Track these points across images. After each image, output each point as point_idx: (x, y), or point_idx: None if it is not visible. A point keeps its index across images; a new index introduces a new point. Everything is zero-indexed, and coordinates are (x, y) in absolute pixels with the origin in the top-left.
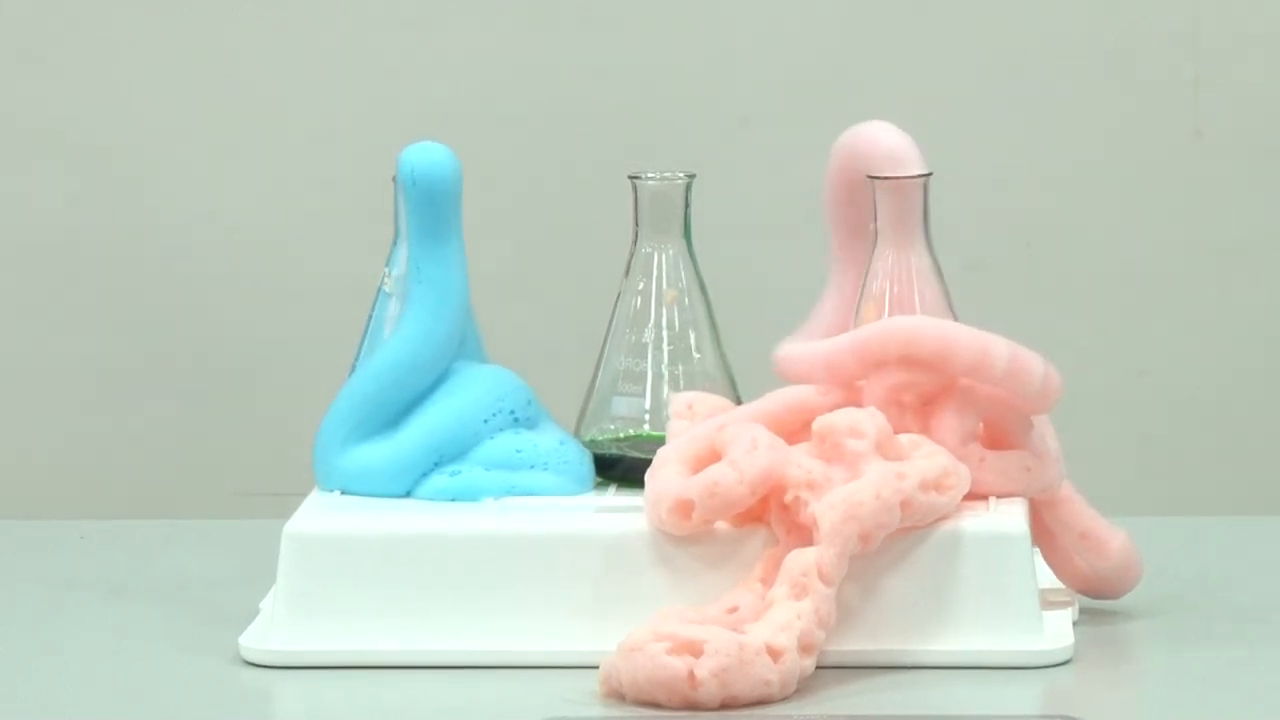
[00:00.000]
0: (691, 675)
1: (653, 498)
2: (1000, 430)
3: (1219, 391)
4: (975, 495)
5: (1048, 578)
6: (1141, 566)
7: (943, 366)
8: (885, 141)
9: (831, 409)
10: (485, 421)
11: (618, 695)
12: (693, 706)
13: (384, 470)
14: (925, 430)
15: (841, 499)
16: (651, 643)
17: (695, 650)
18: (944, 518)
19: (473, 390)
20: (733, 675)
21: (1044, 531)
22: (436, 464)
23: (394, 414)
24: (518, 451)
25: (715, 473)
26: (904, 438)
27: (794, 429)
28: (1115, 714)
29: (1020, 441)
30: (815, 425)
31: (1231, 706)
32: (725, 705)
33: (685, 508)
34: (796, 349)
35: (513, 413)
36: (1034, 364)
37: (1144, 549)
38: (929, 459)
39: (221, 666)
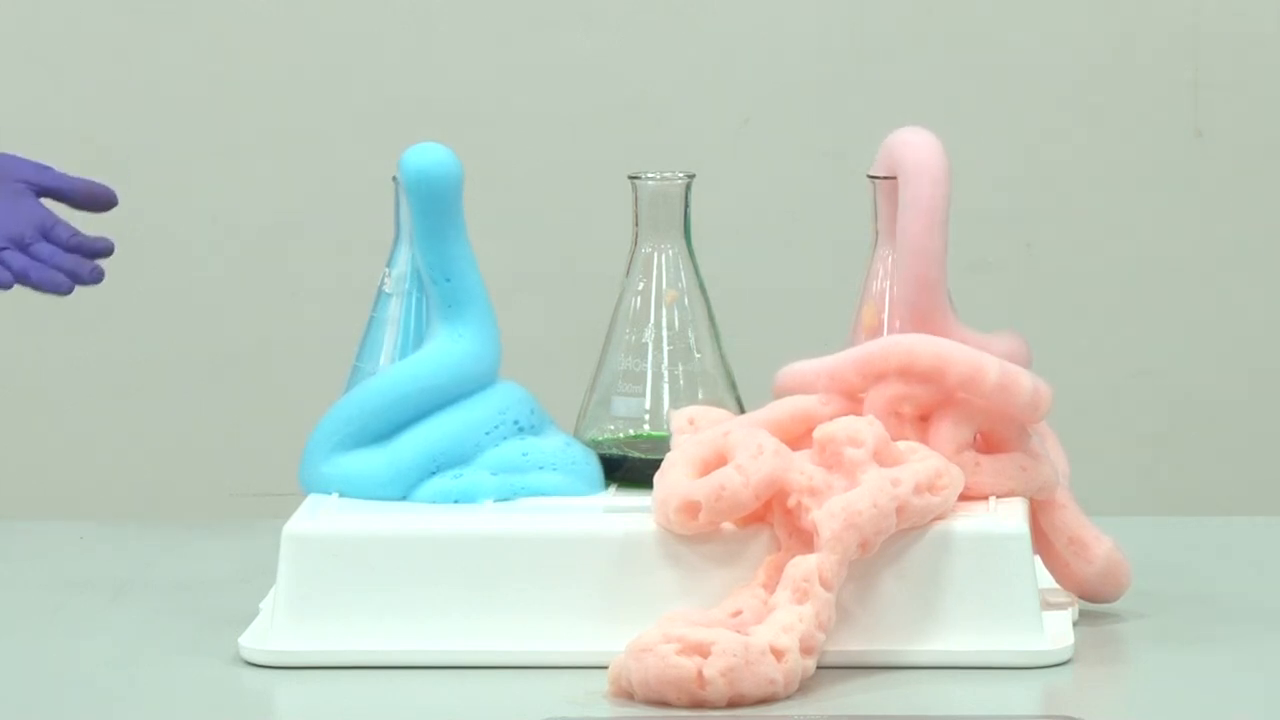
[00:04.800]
0: (700, 675)
1: (660, 498)
2: (997, 438)
3: (1219, 391)
4: (975, 496)
5: (1049, 579)
6: (1129, 574)
7: (939, 380)
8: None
9: (832, 418)
10: (487, 434)
11: (627, 694)
12: (701, 705)
13: (378, 477)
14: (923, 441)
15: (841, 508)
16: (661, 644)
17: (703, 651)
18: (940, 517)
19: (477, 404)
20: (739, 674)
21: (1042, 536)
22: (434, 473)
23: (399, 426)
24: (524, 455)
25: (722, 476)
26: (900, 444)
27: (797, 436)
28: (1115, 714)
29: (1017, 448)
30: (816, 434)
31: (1231, 706)
32: (732, 704)
33: (692, 509)
34: (799, 366)
35: (516, 422)
36: (1023, 379)
37: (1144, 549)
38: (922, 462)
39: (221, 667)
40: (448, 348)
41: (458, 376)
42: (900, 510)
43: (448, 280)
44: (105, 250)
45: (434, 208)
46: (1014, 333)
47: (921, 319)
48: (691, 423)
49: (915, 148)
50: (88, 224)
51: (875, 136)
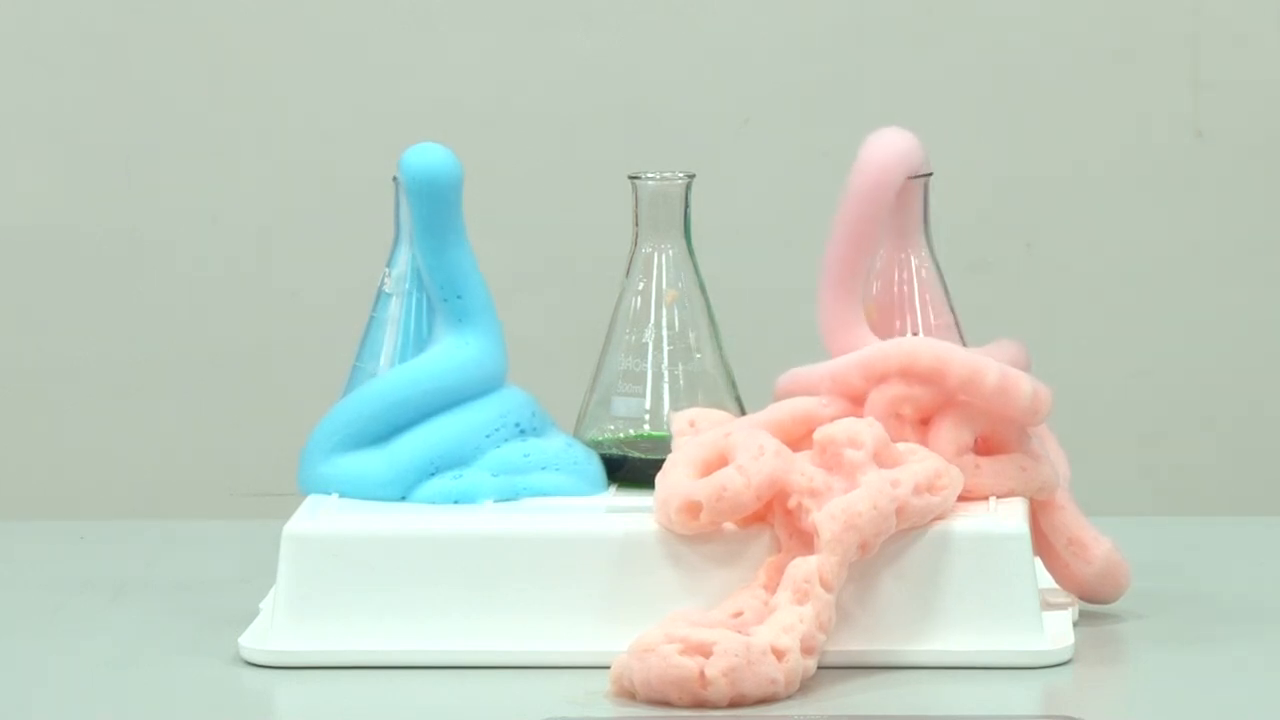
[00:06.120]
0: (702, 675)
1: (662, 498)
2: (997, 440)
3: (1219, 391)
4: (976, 497)
5: (1049, 579)
6: (1128, 575)
7: (939, 381)
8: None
9: (833, 420)
10: (488, 436)
11: (629, 694)
12: (702, 704)
13: (377, 478)
14: (923, 443)
15: (841, 509)
16: (663, 644)
17: (705, 651)
18: (940, 517)
19: (478, 406)
20: (741, 674)
21: (1041, 537)
22: (433, 474)
23: (399, 429)
24: (525, 456)
25: (723, 477)
26: (900, 446)
27: (799, 437)
28: (1115, 714)
29: (1016, 450)
30: (816, 435)
31: (1231, 707)
32: (734, 704)
33: (694, 509)
34: (801, 370)
35: (518, 425)
36: (1022, 382)
37: (1143, 549)
38: (921, 463)
39: (221, 667)
40: (453, 353)
41: (461, 381)
42: (900, 511)
43: (459, 297)
44: None
45: (434, 208)
46: (1013, 340)
47: (840, 333)
48: (692, 425)
49: (863, 151)
50: (87, 224)
51: None
